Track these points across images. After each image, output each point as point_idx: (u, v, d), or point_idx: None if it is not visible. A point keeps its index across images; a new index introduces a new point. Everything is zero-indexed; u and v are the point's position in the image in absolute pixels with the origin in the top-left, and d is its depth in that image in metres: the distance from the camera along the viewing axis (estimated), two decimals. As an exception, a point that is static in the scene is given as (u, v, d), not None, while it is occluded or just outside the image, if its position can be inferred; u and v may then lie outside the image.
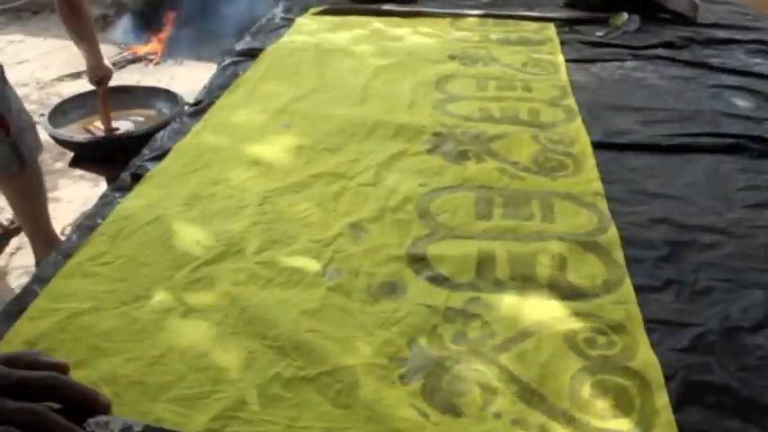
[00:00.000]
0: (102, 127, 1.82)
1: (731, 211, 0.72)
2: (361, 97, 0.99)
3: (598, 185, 0.76)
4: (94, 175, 2.10)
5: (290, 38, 1.25)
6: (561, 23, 1.34)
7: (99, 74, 1.70)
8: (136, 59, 3.16)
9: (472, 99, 0.99)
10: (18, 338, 0.53)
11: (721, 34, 1.27)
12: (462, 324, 0.56)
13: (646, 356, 0.52)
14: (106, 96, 1.77)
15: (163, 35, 3.23)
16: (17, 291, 0.62)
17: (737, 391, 0.50)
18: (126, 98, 1.96)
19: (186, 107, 1.01)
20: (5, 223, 1.85)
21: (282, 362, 0.51)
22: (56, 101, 2.01)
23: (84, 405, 0.45)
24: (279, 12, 1.42)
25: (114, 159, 1.65)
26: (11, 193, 1.57)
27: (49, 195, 2.08)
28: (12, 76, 1.58)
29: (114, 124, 1.83)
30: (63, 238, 1.31)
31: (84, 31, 1.60)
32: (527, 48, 1.20)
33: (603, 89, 1.04)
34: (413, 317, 0.56)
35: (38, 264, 1.72)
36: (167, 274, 0.61)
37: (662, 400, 0.48)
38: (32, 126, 1.54)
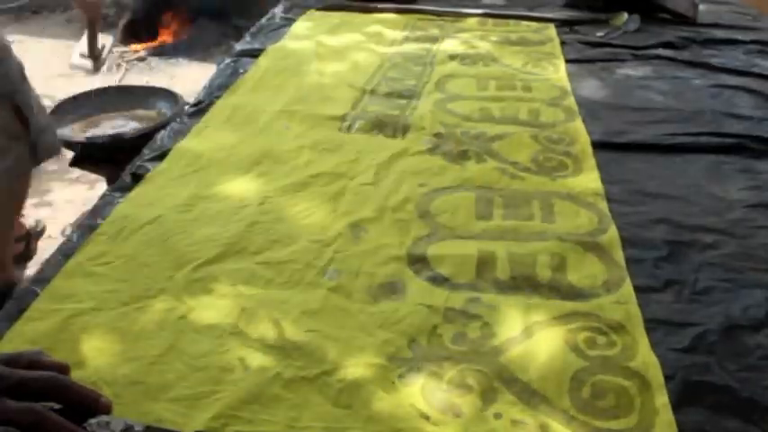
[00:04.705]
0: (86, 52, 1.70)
1: (731, 211, 0.72)
2: (361, 97, 0.99)
3: (598, 185, 0.76)
4: (91, 177, 2.10)
5: (291, 38, 1.25)
6: (561, 24, 1.34)
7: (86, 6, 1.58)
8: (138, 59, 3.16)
9: (472, 99, 0.99)
10: (19, 338, 0.53)
11: (721, 34, 1.27)
12: (462, 324, 0.56)
13: (646, 356, 0.52)
14: (94, 25, 1.64)
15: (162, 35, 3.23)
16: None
17: (737, 391, 0.50)
18: (126, 98, 1.96)
19: (186, 107, 1.01)
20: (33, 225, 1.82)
21: (282, 362, 0.51)
22: (55, 101, 2.01)
23: (85, 405, 0.45)
24: (279, 12, 1.42)
25: (114, 159, 1.65)
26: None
27: (42, 199, 2.08)
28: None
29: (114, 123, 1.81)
30: (63, 238, 1.31)
31: None
32: (527, 48, 1.20)
33: (603, 89, 1.04)
34: (413, 317, 0.56)
35: None
36: (167, 274, 0.61)
37: (662, 400, 0.48)
38: (51, 125, 1.47)
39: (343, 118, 0.91)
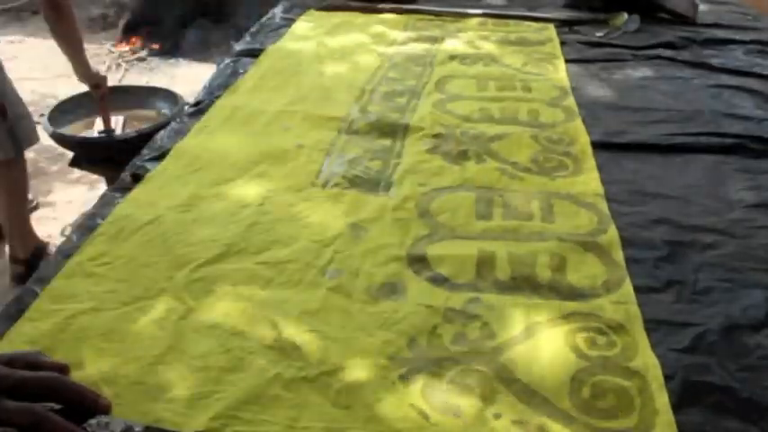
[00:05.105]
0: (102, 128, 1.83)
1: (731, 211, 0.72)
2: (361, 98, 0.99)
3: (598, 185, 0.76)
4: (92, 178, 2.10)
5: (290, 38, 1.25)
6: (561, 24, 1.34)
7: (94, 81, 1.70)
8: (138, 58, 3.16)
9: (472, 99, 0.99)
10: (18, 339, 0.53)
11: (721, 34, 1.28)
12: (462, 325, 0.56)
13: (646, 356, 0.52)
14: (105, 100, 1.77)
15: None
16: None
17: (737, 391, 0.50)
18: (126, 98, 1.96)
19: (186, 107, 1.01)
20: None
21: (282, 362, 0.51)
22: (55, 101, 2.01)
23: (85, 406, 0.45)
24: (279, 12, 1.42)
25: (114, 159, 1.65)
26: None
27: (44, 199, 2.08)
28: (11, 75, 1.58)
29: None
30: (63, 238, 1.32)
31: (69, 35, 1.57)
32: (527, 48, 1.20)
33: (603, 89, 1.04)
34: (413, 317, 0.56)
35: (12, 260, 1.72)
36: (167, 275, 0.61)
37: (662, 400, 0.48)
38: (28, 115, 1.58)
39: (343, 118, 0.91)
